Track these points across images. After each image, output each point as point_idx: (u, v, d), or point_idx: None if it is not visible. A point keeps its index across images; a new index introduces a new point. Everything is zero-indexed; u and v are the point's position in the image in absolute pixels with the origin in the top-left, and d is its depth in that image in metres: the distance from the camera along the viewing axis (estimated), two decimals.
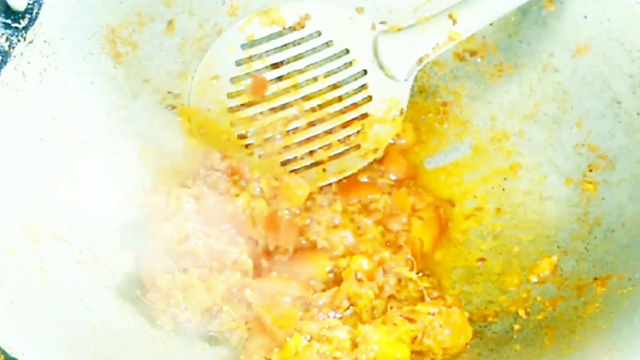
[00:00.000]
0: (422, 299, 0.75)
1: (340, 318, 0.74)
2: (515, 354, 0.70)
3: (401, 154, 0.84)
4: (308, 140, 0.83)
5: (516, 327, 0.73)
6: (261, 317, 0.72)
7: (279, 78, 0.83)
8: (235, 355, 0.72)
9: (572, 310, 0.71)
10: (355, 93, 0.83)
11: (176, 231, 0.74)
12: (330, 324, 0.71)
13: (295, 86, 0.83)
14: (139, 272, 0.75)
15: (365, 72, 0.82)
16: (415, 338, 0.71)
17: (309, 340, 0.69)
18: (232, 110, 0.83)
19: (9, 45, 0.71)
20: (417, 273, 0.77)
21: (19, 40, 0.72)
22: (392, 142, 0.84)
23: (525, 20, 0.82)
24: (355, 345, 0.69)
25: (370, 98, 0.83)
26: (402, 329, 0.70)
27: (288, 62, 0.83)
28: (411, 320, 0.71)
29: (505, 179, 0.83)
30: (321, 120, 0.83)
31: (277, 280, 0.75)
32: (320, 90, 0.83)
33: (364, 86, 0.83)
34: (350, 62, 0.82)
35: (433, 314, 0.71)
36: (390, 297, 0.75)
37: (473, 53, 0.85)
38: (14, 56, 0.71)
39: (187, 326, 0.73)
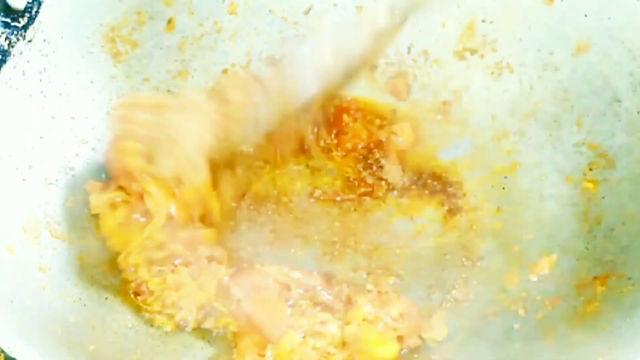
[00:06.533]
0: None
1: (331, 311, 0.73)
2: (515, 352, 0.70)
3: (401, 153, 0.84)
4: None
5: (516, 326, 0.73)
6: (251, 316, 0.72)
7: None
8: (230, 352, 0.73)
9: (571, 310, 0.71)
10: None
11: (151, 242, 0.74)
12: (322, 319, 0.71)
13: None
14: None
15: None
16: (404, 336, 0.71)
17: (303, 337, 0.69)
18: None
19: (9, 44, 0.71)
20: None
21: (18, 39, 0.72)
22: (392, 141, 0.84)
23: (526, 18, 0.82)
24: (345, 343, 0.69)
25: None
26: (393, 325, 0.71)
27: None
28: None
29: (505, 177, 0.82)
30: None
31: (257, 274, 0.74)
32: None
33: None
34: None
35: None
36: None
37: (473, 51, 0.84)
38: (14, 55, 0.71)
39: (185, 324, 0.73)
